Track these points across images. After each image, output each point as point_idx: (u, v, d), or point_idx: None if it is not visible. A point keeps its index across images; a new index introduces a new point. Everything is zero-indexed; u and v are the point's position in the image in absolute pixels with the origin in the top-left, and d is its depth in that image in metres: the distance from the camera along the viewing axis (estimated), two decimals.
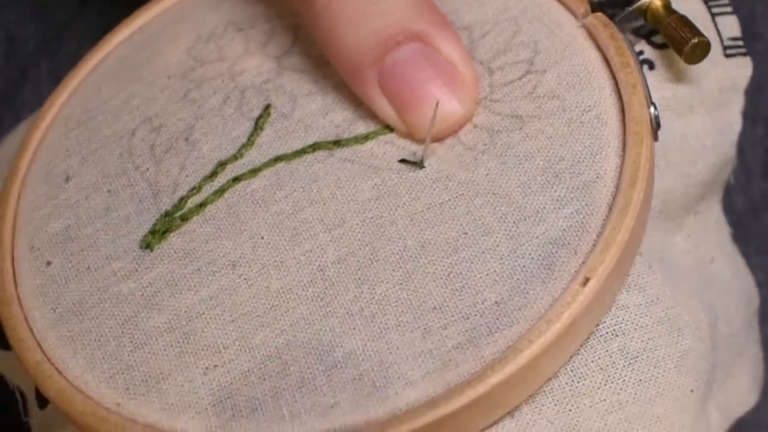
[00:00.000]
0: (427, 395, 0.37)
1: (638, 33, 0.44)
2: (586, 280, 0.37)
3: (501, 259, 0.39)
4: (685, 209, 0.43)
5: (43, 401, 0.43)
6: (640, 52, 0.43)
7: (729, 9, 0.45)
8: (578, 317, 0.37)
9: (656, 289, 0.40)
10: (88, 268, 0.41)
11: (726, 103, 0.44)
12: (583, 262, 0.38)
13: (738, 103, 0.45)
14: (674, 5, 0.44)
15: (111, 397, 0.39)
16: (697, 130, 0.43)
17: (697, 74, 0.43)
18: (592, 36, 0.42)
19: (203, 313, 0.39)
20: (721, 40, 0.45)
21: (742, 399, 0.45)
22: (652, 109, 0.41)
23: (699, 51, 0.42)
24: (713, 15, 0.45)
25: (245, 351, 0.39)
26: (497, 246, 0.39)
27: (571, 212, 0.39)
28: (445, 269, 0.39)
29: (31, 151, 0.45)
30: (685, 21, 0.42)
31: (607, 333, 0.39)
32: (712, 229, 0.45)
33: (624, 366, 0.39)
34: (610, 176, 0.39)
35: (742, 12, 0.59)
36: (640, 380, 0.39)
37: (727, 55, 0.44)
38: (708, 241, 0.44)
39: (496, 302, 0.38)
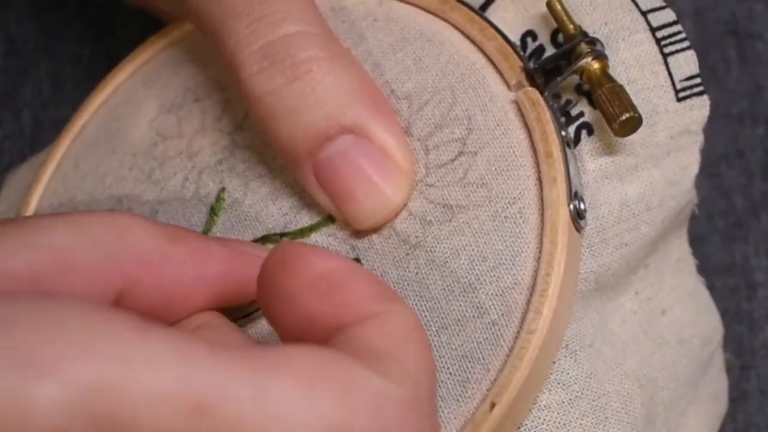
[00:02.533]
0: None
1: (580, 90, 0.43)
2: (493, 405, 0.39)
3: None
4: (629, 273, 0.43)
5: None
6: (581, 114, 0.42)
7: (685, 45, 0.43)
8: None
9: (581, 383, 0.41)
10: None
11: (679, 148, 0.43)
12: (495, 379, 0.39)
13: (696, 142, 0.43)
14: (624, 49, 0.43)
15: None
16: (641, 192, 0.42)
17: (641, 130, 0.42)
18: (521, 113, 0.42)
19: None
20: (674, 84, 0.43)
21: None
22: (571, 206, 0.40)
23: (629, 126, 0.41)
24: (665, 56, 0.43)
25: None
26: None
27: (488, 323, 0.40)
28: None
29: None
30: (616, 93, 0.41)
31: None
32: (670, 272, 0.44)
33: None
34: (527, 283, 0.40)
35: (741, 12, 0.55)
36: None
37: (680, 99, 0.43)
38: (663, 290, 0.44)
39: None
